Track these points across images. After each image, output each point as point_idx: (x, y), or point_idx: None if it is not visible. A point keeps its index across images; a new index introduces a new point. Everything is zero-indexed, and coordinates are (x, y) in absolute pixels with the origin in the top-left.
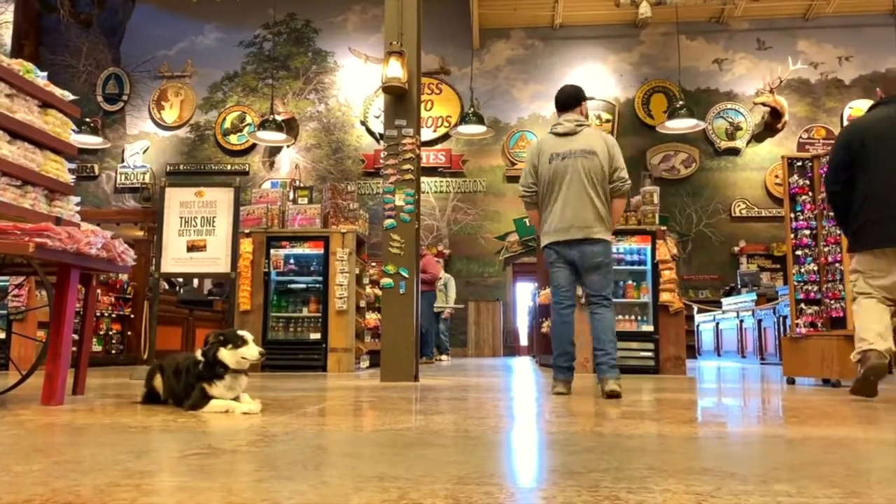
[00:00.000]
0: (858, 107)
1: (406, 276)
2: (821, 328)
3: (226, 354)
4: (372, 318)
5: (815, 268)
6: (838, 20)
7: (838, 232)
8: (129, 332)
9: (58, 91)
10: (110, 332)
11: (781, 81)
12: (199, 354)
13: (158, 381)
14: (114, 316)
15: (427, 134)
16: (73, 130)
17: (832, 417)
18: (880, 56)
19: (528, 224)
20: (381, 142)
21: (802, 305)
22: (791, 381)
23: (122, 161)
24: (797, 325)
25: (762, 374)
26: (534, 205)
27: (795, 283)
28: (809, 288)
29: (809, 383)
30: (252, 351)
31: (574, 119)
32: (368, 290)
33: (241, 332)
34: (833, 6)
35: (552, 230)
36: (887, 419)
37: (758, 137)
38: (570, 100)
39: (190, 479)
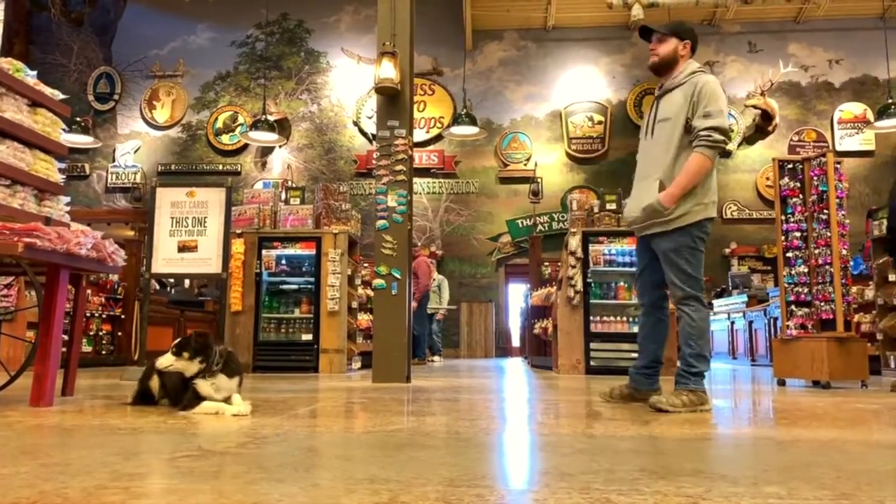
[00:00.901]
0: (848, 110)
1: (398, 277)
2: (811, 330)
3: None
4: (364, 318)
5: (806, 270)
6: (828, 24)
7: (828, 234)
8: (119, 333)
9: (48, 90)
10: (100, 333)
11: (772, 84)
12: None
13: (155, 382)
14: (104, 316)
15: (420, 135)
16: (64, 130)
17: (822, 419)
18: (870, 59)
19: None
20: (374, 142)
21: (793, 307)
22: (781, 383)
23: (113, 160)
24: (787, 326)
25: (753, 375)
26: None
27: (786, 285)
28: (800, 290)
29: (800, 385)
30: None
31: None
32: (360, 290)
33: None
34: (823, 10)
35: (714, 201)
36: (876, 421)
37: (749, 140)
38: None
39: (180, 481)
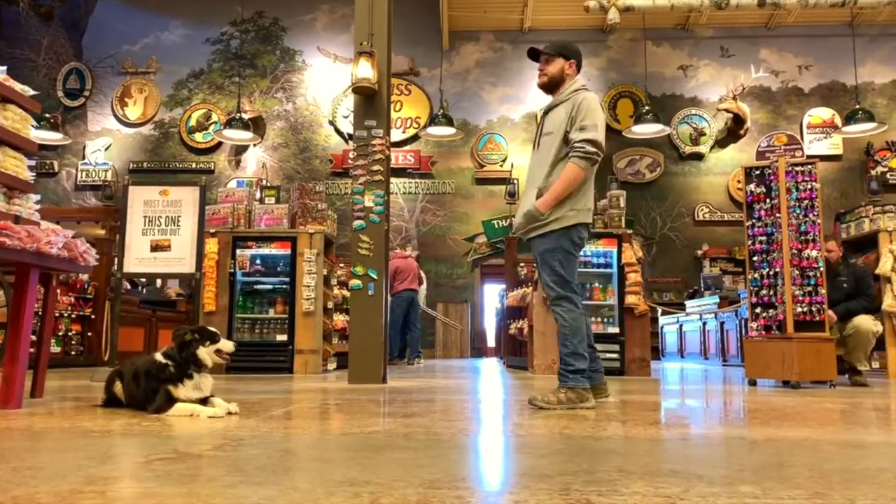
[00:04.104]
0: (817, 115)
1: (375, 277)
2: (774, 332)
3: (204, 352)
4: (340, 319)
5: (772, 272)
6: (799, 30)
7: (791, 237)
8: (89, 333)
9: (17, 86)
10: (70, 333)
11: (744, 88)
12: (159, 356)
13: (118, 388)
14: (73, 316)
15: (396, 135)
16: (33, 126)
17: (793, 419)
18: (838, 66)
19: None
20: (351, 142)
21: (758, 309)
22: (752, 383)
23: (84, 158)
24: (752, 328)
25: (724, 375)
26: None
27: (751, 288)
28: (764, 292)
29: (770, 385)
30: (228, 344)
31: None
32: (336, 291)
33: (211, 328)
34: (794, 16)
35: (590, 209)
36: (845, 420)
37: (721, 143)
38: None
39: (156, 485)
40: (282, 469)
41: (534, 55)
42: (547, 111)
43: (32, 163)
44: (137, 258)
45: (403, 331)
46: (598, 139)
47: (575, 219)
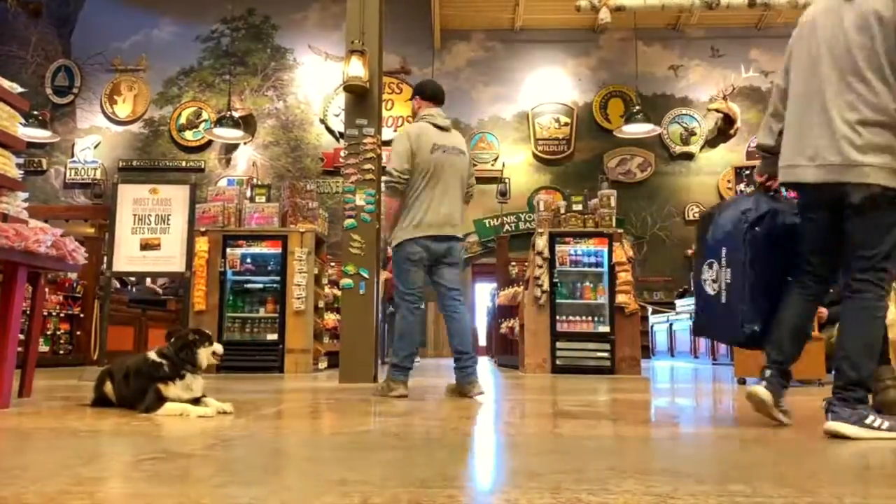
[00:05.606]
0: None
1: (366, 276)
2: None
3: (203, 353)
4: (331, 318)
5: None
6: (789, 30)
7: None
8: (78, 332)
9: (6, 83)
10: (58, 332)
11: (734, 88)
12: (153, 355)
13: (108, 387)
14: (62, 315)
15: (388, 133)
16: (21, 123)
17: None
18: None
19: (489, 221)
20: (342, 140)
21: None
22: (742, 382)
23: (72, 156)
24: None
25: (714, 374)
26: (401, 193)
27: None
28: None
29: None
30: (219, 347)
31: (444, 115)
32: (327, 290)
33: (206, 330)
34: (784, 17)
35: (424, 223)
36: None
37: (711, 143)
38: (443, 96)
39: (145, 485)
40: (273, 469)
41: None
42: None
43: (20, 160)
44: (127, 257)
45: None
46: (390, 167)
47: (401, 237)
